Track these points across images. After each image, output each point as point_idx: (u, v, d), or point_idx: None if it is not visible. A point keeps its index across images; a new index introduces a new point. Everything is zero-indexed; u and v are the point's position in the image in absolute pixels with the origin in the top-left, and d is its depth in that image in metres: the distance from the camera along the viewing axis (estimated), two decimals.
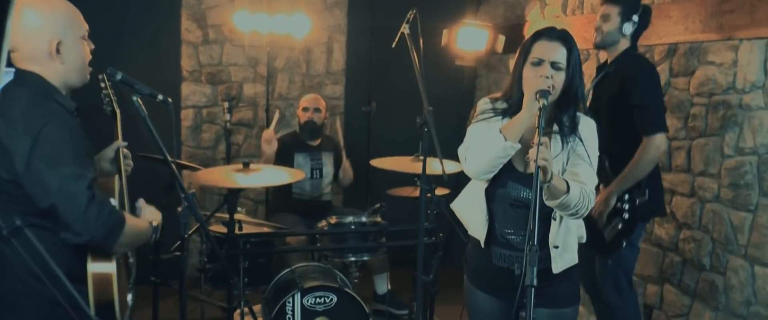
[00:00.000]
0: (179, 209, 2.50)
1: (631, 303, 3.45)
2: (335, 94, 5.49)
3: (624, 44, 3.34)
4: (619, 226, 3.21)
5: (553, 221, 2.27)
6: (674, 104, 3.69)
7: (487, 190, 2.30)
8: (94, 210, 1.87)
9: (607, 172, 3.24)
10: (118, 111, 2.54)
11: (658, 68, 3.79)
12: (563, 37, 2.25)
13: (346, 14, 5.41)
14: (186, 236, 2.52)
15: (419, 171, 3.22)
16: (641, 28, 3.36)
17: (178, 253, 2.51)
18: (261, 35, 4.98)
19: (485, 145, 2.18)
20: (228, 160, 4.81)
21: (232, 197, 3.38)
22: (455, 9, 5.57)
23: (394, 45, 3.40)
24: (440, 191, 4.07)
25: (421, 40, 3.36)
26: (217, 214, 3.73)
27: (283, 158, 4.49)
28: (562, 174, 2.23)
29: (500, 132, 2.16)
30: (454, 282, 4.65)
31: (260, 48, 5.16)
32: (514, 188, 2.25)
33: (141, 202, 2.33)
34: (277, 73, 5.31)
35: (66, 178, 1.87)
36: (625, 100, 3.19)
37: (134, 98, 2.40)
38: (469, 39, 5.15)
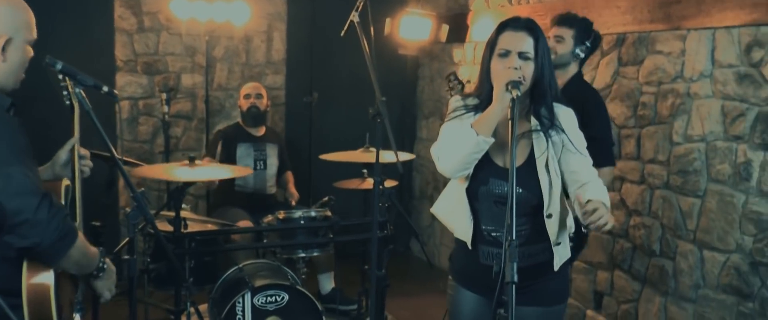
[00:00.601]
0: (128, 209, 2.34)
1: None
2: (276, 84, 5.34)
3: (573, 69, 3.29)
4: (571, 245, 3.21)
5: (548, 219, 2.21)
6: (624, 93, 3.73)
7: (468, 189, 2.23)
8: (46, 212, 1.72)
9: None
10: (76, 105, 2.31)
11: (607, 58, 3.83)
12: (529, 27, 2.20)
13: (285, 2, 5.27)
14: (135, 238, 2.36)
15: (369, 162, 3.13)
16: (590, 54, 3.34)
17: (126, 257, 2.34)
18: (199, 23, 4.78)
19: (458, 141, 2.12)
20: (167, 153, 4.61)
21: (177, 194, 3.22)
22: None
23: (343, 33, 3.29)
24: (389, 183, 4.01)
25: (372, 29, 3.27)
26: (161, 212, 3.56)
27: (225, 150, 4.34)
28: (560, 174, 2.20)
29: (471, 127, 2.10)
30: (397, 274, 4.65)
31: (198, 36, 4.97)
32: (497, 185, 2.19)
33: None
34: (216, 62, 5.12)
35: (13, 176, 1.70)
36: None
37: (77, 90, 2.23)
38: (413, 28, 5.09)
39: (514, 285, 1.73)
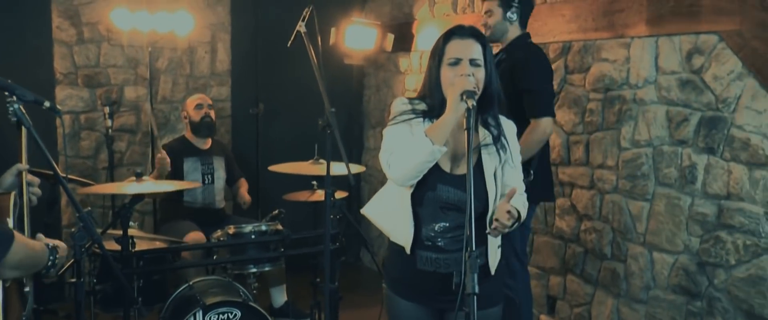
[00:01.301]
0: (73, 229, 2.24)
1: (524, 284, 3.49)
2: (221, 96, 5.24)
3: (514, 32, 3.40)
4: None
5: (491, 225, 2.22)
6: (571, 99, 3.78)
7: (413, 195, 2.21)
8: None
9: None
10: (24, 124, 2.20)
11: (554, 65, 3.87)
12: (475, 34, 2.22)
13: (229, 12, 5.17)
14: (82, 260, 2.26)
15: (318, 174, 3.09)
16: (526, 10, 3.41)
17: (72, 280, 2.24)
18: (141, 34, 4.66)
19: (411, 149, 2.10)
20: (111, 169, 4.47)
21: (125, 211, 3.11)
22: (342, 7, 5.47)
23: (289, 44, 3.26)
24: (340, 194, 3.98)
25: (319, 38, 3.24)
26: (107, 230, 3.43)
27: (172, 165, 4.22)
28: (497, 181, 2.22)
29: (426, 135, 2.08)
30: (348, 286, 4.61)
31: (141, 48, 4.84)
32: (444, 191, 2.19)
33: (39, 237, 2.06)
34: (159, 74, 4.99)
35: None
36: (514, 85, 3.22)
37: (16, 106, 2.13)
38: (358, 37, 5.08)
39: (475, 297, 1.72)
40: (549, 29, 3.82)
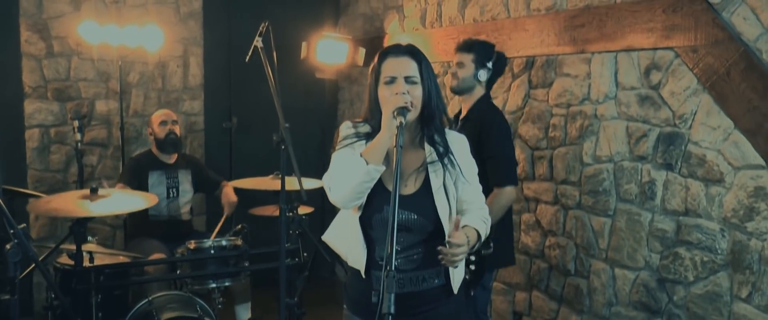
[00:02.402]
0: (8, 246, 2.21)
1: None
2: (194, 110, 5.23)
3: (479, 91, 3.37)
4: (467, 276, 3.20)
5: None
6: (535, 115, 3.77)
7: (362, 218, 2.19)
8: None
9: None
10: None
11: (518, 80, 3.87)
12: (411, 51, 2.20)
13: (201, 26, 5.17)
14: (17, 277, 2.23)
15: (279, 189, 3.07)
16: (496, 75, 3.41)
17: (6, 297, 2.22)
18: (111, 48, 4.64)
19: (348, 171, 2.08)
20: (80, 183, 4.43)
21: (78, 227, 3.08)
22: (314, 21, 5.48)
23: (247, 59, 3.24)
24: (304, 209, 3.95)
25: (274, 54, 3.23)
26: (65, 246, 3.40)
27: (137, 178, 4.20)
28: (449, 198, 2.18)
29: (361, 156, 2.06)
30: (321, 302, 4.57)
31: (111, 62, 4.82)
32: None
33: None
34: (131, 88, 4.98)
35: None
36: (479, 150, 3.14)
37: None
38: (329, 52, 5.07)
39: (391, 316, 1.70)
40: (513, 44, 3.82)
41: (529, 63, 3.80)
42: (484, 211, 2.29)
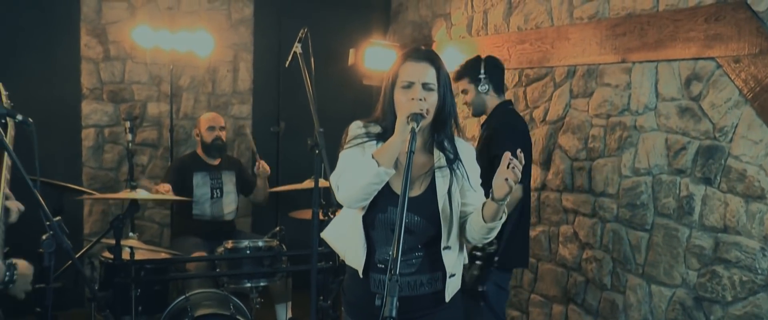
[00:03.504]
0: (43, 237, 2.32)
1: None
2: (242, 114, 5.35)
3: (493, 101, 3.38)
4: (475, 273, 3.20)
5: (446, 250, 2.19)
6: (575, 125, 3.71)
7: (365, 217, 2.20)
8: None
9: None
10: (6, 135, 2.31)
11: (559, 90, 3.82)
12: (430, 58, 2.20)
13: (252, 32, 5.28)
14: (51, 267, 2.33)
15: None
16: (497, 76, 3.39)
17: (41, 285, 2.32)
18: (163, 52, 4.80)
19: (358, 171, 2.09)
20: (131, 181, 4.59)
21: (118, 222, 3.19)
22: (364, 28, 5.53)
23: (287, 64, 3.31)
24: (339, 213, 3.98)
25: (312, 59, 3.28)
26: (106, 240, 3.53)
27: (182, 178, 4.32)
28: (452, 204, 2.18)
29: (372, 157, 2.08)
30: None
31: (163, 66, 4.98)
32: (396, 213, 2.16)
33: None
34: (181, 91, 5.13)
35: None
36: (489, 150, 3.17)
37: None
38: (377, 58, 5.10)
39: None
40: (555, 52, 3.78)
41: (571, 72, 3.74)
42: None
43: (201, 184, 4.39)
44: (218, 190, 4.44)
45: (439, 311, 2.22)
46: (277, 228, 3.85)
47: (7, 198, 2.33)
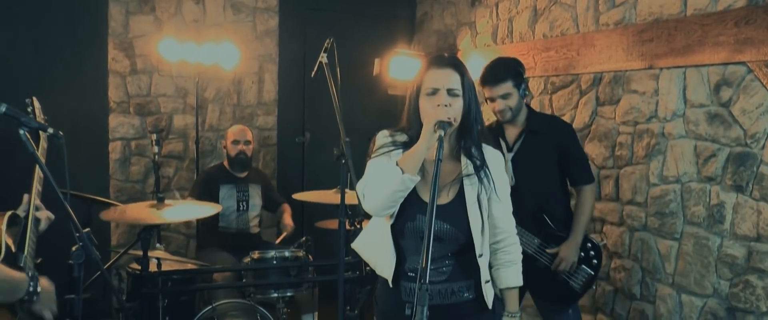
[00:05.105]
0: (73, 249, 2.34)
1: None
2: (267, 125, 5.37)
3: (524, 108, 3.29)
4: (592, 272, 3.19)
5: (481, 258, 2.19)
6: (601, 133, 3.67)
7: (393, 226, 2.19)
8: None
9: (550, 228, 3.20)
10: (37, 148, 2.37)
11: (585, 97, 3.78)
12: (454, 63, 2.19)
13: (277, 43, 5.31)
14: (81, 278, 2.35)
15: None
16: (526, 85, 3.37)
17: (71, 296, 2.34)
18: (189, 65, 4.84)
19: (383, 179, 2.08)
20: (157, 194, 4.62)
21: (145, 234, 3.22)
22: (389, 38, 5.53)
23: (313, 74, 3.32)
24: (366, 224, 3.97)
25: (338, 69, 3.28)
26: (133, 251, 3.56)
27: (208, 190, 4.35)
28: (482, 211, 2.18)
29: (397, 165, 2.07)
30: None
31: (189, 78, 5.03)
32: (424, 221, 2.15)
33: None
34: (207, 103, 5.17)
35: None
36: (563, 152, 3.17)
37: (21, 132, 2.25)
38: (402, 68, 5.09)
39: None
40: (581, 59, 3.74)
41: (597, 79, 3.70)
42: (515, 247, 2.29)
43: (227, 197, 4.41)
44: (244, 203, 4.46)
45: (478, 319, 2.21)
46: (303, 239, 3.85)
47: (37, 209, 2.38)
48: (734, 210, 2.94)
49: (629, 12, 3.46)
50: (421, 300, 1.69)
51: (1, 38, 4.42)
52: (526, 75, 4.21)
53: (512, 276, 2.26)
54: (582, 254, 3.18)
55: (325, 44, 3.29)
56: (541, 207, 3.20)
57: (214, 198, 4.36)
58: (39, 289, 2.08)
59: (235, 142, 4.48)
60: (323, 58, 3.32)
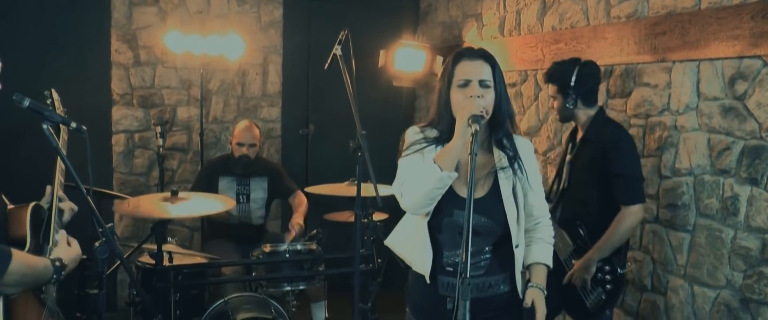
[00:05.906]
0: (96, 244, 2.33)
1: None
2: (272, 117, 5.35)
3: (585, 113, 3.27)
4: (603, 297, 3.17)
5: (517, 248, 2.22)
6: None
7: (430, 222, 2.20)
8: None
9: (584, 239, 3.21)
10: (58, 140, 2.36)
11: None
12: (484, 55, 2.20)
13: (281, 35, 5.29)
14: (104, 273, 2.34)
15: (355, 195, 3.12)
16: (587, 89, 3.25)
17: (94, 291, 2.33)
18: (194, 56, 4.81)
19: (421, 177, 2.08)
20: (161, 186, 4.61)
21: (159, 228, 3.21)
22: (393, 29, 5.52)
23: (326, 66, 3.30)
24: (378, 216, 3.98)
25: (353, 62, 3.28)
26: (147, 245, 3.55)
27: (208, 183, 4.33)
28: (517, 203, 2.20)
29: (434, 162, 2.07)
30: (394, 309, 4.57)
31: (194, 70, 5.00)
32: (461, 216, 2.16)
33: (60, 235, 2.22)
34: (211, 95, 5.14)
35: None
36: (605, 168, 3.12)
37: (44, 126, 2.23)
38: (407, 60, 5.09)
39: None
40: (592, 52, 3.75)
41: (608, 72, 3.71)
42: (548, 228, 2.31)
43: (226, 189, 4.40)
44: (244, 196, 4.44)
45: (513, 311, 2.23)
46: (315, 231, 3.85)
47: (61, 200, 2.36)
48: (749, 203, 2.96)
49: (641, 5, 3.47)
50: (464, 294, 1.69)
51: (4, 30, 4.38)
52: (534, 67, 4.24)
53: (542, 252, 2.26)
54: (599, 275, 3.16)
55: (340, 36, 3.27)
56: (580, 217, 3.20)
57: (213, 189, 4.34)
58: (63, 272, 2.07)
59: (240, 144, 4.43)
60: (337, 50, 3.30)
